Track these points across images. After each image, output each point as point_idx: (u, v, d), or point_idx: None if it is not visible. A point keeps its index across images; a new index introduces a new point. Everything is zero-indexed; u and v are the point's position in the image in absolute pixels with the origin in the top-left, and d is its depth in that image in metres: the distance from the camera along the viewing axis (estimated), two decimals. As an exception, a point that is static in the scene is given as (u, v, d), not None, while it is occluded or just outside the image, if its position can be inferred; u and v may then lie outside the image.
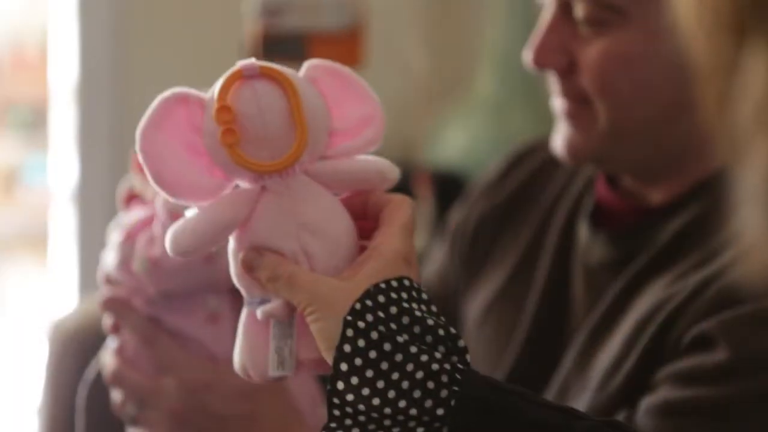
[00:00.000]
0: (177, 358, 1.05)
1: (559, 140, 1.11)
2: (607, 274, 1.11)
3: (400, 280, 0.77)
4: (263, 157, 0.79)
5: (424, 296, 0.78)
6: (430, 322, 0.76)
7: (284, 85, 0.79)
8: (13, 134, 4.85)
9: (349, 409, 0.75)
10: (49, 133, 2.79)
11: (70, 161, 2.67)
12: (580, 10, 1.04)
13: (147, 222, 1.03)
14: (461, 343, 0.77)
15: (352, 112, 0.84)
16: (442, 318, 0.78)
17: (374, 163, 0.84)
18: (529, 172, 1.27)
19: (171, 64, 2.71)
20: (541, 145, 1.27)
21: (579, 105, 1.08)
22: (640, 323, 1.02)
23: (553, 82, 1.10)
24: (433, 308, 0.78)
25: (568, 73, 1.08)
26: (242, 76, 0.79)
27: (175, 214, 0.95)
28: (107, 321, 1.10)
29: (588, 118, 1.07)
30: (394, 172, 0.84)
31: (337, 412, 0.75)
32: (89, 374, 1.21)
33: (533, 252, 1.20)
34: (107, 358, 1.09)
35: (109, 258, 1.07)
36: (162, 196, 0.92)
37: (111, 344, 1.10)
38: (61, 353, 1.48)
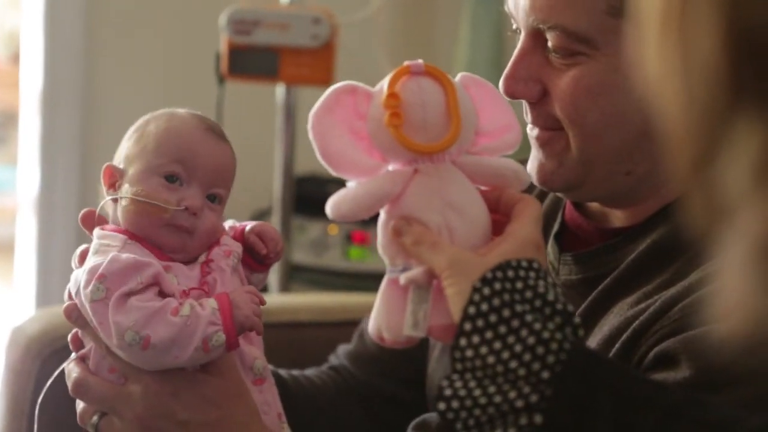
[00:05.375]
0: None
1: (532, 166, 1.12)
2: (573, 294, 1.12)
3: (530, 261, 0.88)
4: (420, 141, 0.92)
5: (550, 279, 0.88)
6: (551, 297, 0.86)
7: (444, 83, 0.93)
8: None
9: (468, 364, 0.85)
10: (16, 142, 2.77)
11: (33, 171, 2.65)
12: (551, 41, 1.06)
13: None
14: (576, 320, 0.86)
15: (494, 119, 0.97)
16: (563, 298, 0.87)
17: (511, 163, 0.96)
18: None
19: (137, 77, 2.71)
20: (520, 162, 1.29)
21: (551, 132, 1.09)
22: (605, 341, 1.04)
23: (525, 110, 1.12)
24: (558, 290, 0.88)
25: (540, 102, 1.09)
26: (409, 71, 0.93)
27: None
28: (70, 335, 1.10)
29: (560, 145, 1.09)
30: (526, 174, 0.97)
31: (459, 366, 0.85)
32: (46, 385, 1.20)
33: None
34: (70, 368, 1.09)
35: (77, 280, 1.06)
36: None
37: (73, 355, 1.10)
38: (19, 358, 1.48)
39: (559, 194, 1.16)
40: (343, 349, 1.41)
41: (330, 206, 0.91)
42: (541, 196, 1.24)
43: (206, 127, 1.12)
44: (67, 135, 2.64)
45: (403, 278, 0.91)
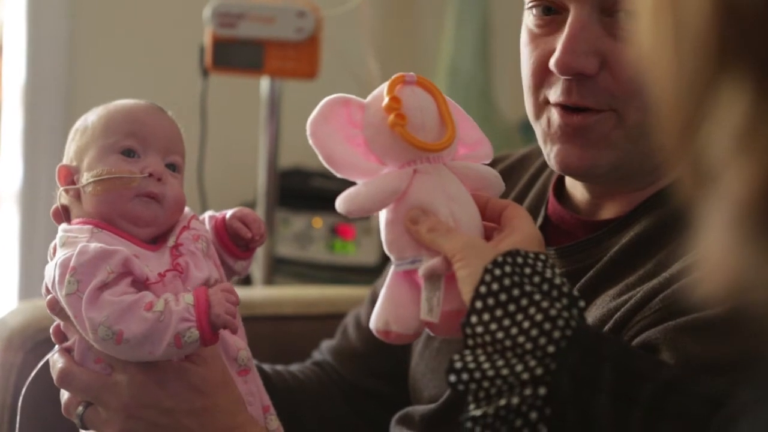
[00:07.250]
0: None
1: (564, 158, 1.09)
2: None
3: (537, 253, 0.93)
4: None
5: (557, 270, 0.92)
6: (558, 281, 0.91)
7: (435, 92, 1.00)
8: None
9: (478, 339, 0.89)
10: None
11: (16, 164, 2.64)
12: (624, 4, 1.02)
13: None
14: (581, 303, 0.91)
15: (469, 133, 1.03)
16: (569, 285, 0.92)
17: (492, 170, 1.03)
18: None
19: (121, 70, 2.70)
20: (501, 158, 1.29)
21: (598, 116, 1.06)
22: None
23: (563, 92, 1.07)
24: (564, 279, 0.92)
25: (595, 76, 1.06)
26: (404, 81, 0.99)
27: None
28: (52, 327, 1.10)
29: (608, 126, 1.06)
30: (502, 181, 1.03)
31: (470, 342, 0.90)
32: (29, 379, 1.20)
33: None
34: (55, 359, 1.09)
35: (50, 274, 1.05)
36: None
37: (57, 347, 1.10)
38: (2, 350, 1.47)
39: (575, 178, 1.14)
40: (326, 344, 1.42)
41: (341, 202, 0.95)
42: (524, 191, 1.25)
43: (146, 103, 1.14)
44: (50, 128, 2.63)
45: (423, 269, 0.95)
